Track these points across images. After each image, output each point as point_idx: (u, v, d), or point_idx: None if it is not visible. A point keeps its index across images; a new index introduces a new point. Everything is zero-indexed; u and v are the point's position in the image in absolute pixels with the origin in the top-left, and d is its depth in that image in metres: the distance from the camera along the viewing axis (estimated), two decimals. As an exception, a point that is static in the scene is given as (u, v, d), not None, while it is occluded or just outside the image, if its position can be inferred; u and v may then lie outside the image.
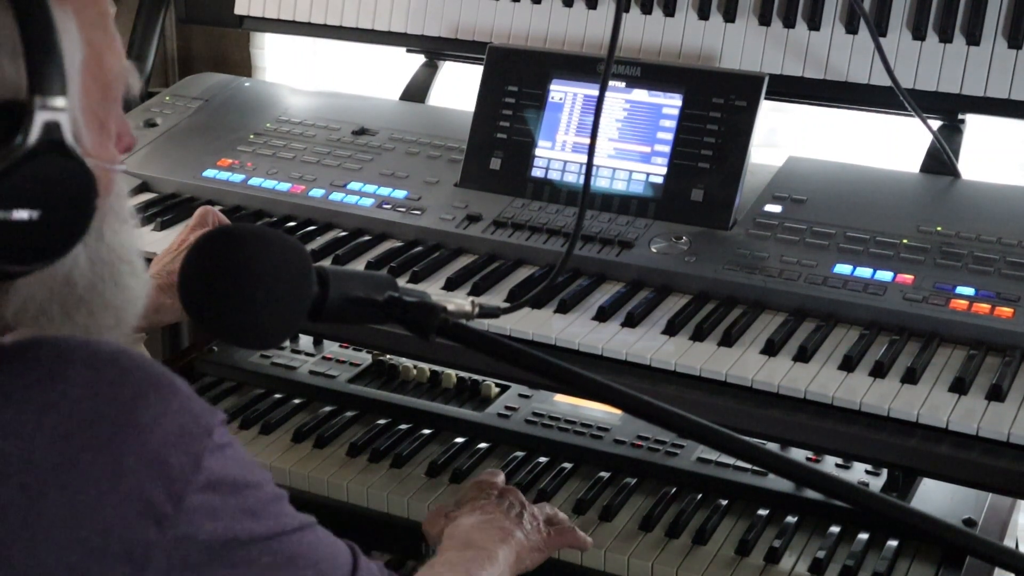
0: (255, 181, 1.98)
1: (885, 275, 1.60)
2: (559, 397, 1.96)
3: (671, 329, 1.57)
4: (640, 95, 1.82)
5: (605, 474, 1.81)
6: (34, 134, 0.77)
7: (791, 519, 1.69)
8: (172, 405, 0.82)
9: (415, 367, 2.06)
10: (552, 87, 1.87)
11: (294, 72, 2.61)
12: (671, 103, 1.80)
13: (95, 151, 0.86)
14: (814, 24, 1.87)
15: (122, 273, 0.90)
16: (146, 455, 0.79)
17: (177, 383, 0.84)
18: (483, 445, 1.88)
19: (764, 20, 1.90)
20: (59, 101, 0.78)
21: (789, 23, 1.89)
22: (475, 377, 2.01)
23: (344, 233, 1.86)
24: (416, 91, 2.23)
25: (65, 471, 0.76)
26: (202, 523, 0.82)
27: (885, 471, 1.74)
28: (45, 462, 0.76)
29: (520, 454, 1.86)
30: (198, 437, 0.82)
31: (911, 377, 1.44)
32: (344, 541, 1.02)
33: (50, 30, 0.77)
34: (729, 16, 1.92)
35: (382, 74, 2.44)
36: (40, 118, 0.77)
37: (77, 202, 0.81)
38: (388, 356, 2.09)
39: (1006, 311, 1.52)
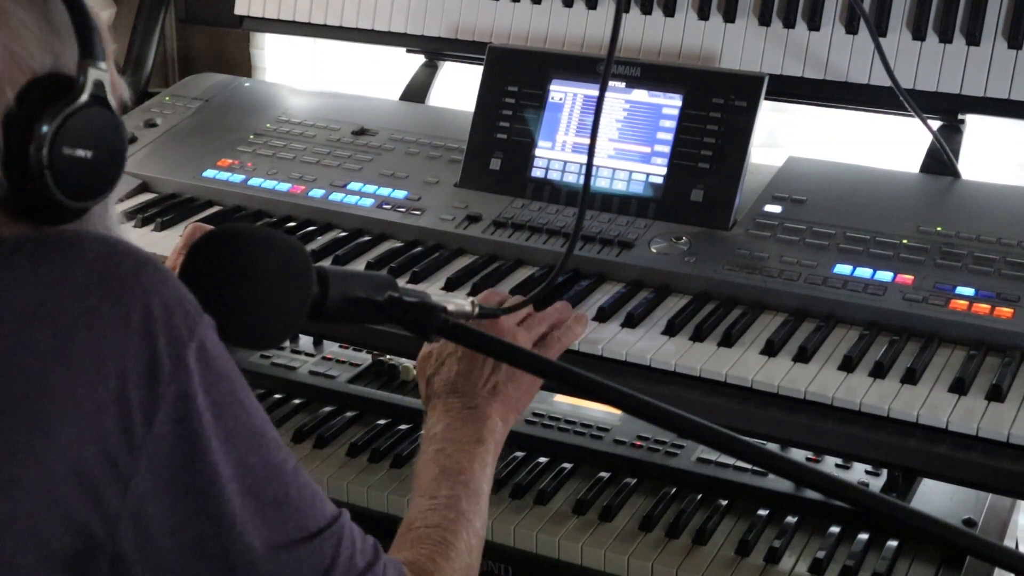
0: (255, 181, 1.98)
1: (885, 275, 1.60)
2: (559, 397, 1.96)
3: (671, 329, 1.57)
4: (640, 95, 1.82)
5: (605, 474, 1.81)
6: (87, 91, 0.92)
7: (791, 519, 1.69)
8: (169, 280, 0.90)
9: (415, 367, 2.05)
10: (552, 87, 1.87)
11: (294, 72, 2.61)
12: (671, 103, 1.80)
13: None
14: (814, 24, 1.87)
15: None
16: (151, 311, 0.87)
17: (169, 270, 0.93)
18: (483, 445, 1.88)
19: (764, 20, 1.90)
20: (102, 64, 0.93)
21: (789, 23, 1.89)
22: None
23: (344, 233, 1.86)
24: (416, 91, 2.23)
25: (89, 316, 0.85)
26: (198, 386, 0.88)
27: (885, 471, 1.74)
28: (72, 308, 0.85)
29: (520, 454, 1.86)
30: (192, 312, 0.89)
31: (911, 377, 1.44)
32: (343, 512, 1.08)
33: (87, 11, 0.94)
34: (729, 16, 1.92)
35: (382, 74, 2.44)
36: (91, 77, 0.92)
37: (117, 148, 0.95)
38: (388, 356, 2.09)
39: (1006, 311, 1.52)
